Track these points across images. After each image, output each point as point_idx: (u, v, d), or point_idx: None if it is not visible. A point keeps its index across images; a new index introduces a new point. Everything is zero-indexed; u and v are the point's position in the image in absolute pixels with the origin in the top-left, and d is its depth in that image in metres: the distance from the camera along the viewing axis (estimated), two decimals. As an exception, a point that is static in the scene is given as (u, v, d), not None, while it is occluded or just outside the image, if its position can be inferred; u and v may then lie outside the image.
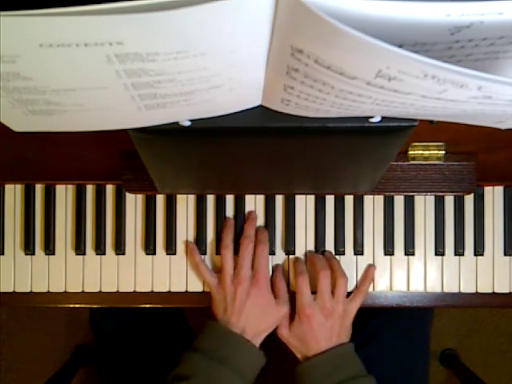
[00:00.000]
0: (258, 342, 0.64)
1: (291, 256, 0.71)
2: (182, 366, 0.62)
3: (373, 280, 0.70)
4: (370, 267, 0.70)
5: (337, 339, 0.64)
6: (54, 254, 0.71)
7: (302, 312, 0.63)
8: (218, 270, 0.69)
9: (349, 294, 0.68)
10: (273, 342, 0.66)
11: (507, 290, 0.71)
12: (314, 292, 0.66)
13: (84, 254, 0.71)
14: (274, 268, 0.69)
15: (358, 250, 0.71)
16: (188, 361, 0.61)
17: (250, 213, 0.70)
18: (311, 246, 0.71)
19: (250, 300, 0.63)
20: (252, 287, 0.63)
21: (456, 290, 0.71)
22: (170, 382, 0.61)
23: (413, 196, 0.71)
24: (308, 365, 0.64)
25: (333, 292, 0.65)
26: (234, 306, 0.63)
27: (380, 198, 0.71)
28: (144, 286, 0.71)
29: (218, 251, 0.70)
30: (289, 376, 0.66)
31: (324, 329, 0.63)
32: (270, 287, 0.65)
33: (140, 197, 0.72)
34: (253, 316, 0.63)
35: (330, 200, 0.71)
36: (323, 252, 0.71)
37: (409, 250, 0.71)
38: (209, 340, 0.62)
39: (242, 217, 0.71)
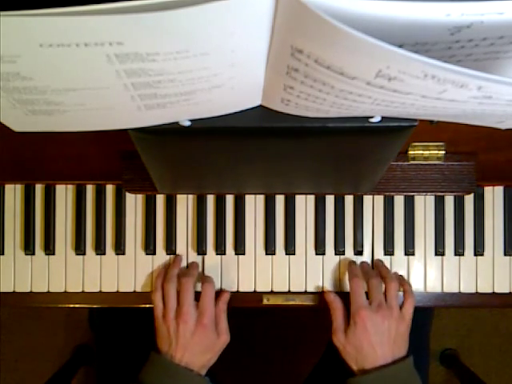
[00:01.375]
0: (203, 372, 0.64)
1: (341, 257, 0.71)
2: None
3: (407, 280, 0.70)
4: (400, 276, 0.70)
5: (393, 347, 0.62)
6: (54, 253, 0.71)
7: (357, 314, 0.62)
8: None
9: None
10: (274, 343, 0.66)
11: (507, 290, 0.71)
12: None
13: (84, 254, 0.71)
14: (219, 295, 0.68)
15: (358, 250, 0.71)
16: None
17: (192, 263, 0.71)
18: (311, 246, 0.71)
19: (195, 339, 0.62)
20: (197, 327, 0.63)
21: (456, 290, 0.71)
22: None
23: (413, 196, 0.71)
24: (364, 379, 0.61)
25: (385, 298, 0.64)
26: (177, 342, 0.62)
27: (380, 198, 0.71)
28: (144, 286, 0.71)
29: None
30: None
31: (380, 331, 0.61)
32: (213, 325, 0.65)
33: (140, 197, 0.72)
34: (197, 352, 0.63)
35: (329, 200, 0.71)
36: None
37: (409, 250, 0.71)
38: (155, 373, 0.62)
39: (242, 217, 0.71)
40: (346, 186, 0.66)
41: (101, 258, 0.71)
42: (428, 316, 0.89)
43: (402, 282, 0.68)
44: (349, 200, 0.71)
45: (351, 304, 0.64)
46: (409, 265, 0.71)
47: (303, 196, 0.71)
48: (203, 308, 0.64)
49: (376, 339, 0.61)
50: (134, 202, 0.72)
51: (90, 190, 0.72)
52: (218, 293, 0.68)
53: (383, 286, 0.65)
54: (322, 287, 0.71)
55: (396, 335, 0.63)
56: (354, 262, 0.70)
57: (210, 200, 0.72)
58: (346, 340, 0.63)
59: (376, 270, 0.69)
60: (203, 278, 0.68)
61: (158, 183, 0.61)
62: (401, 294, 0.66)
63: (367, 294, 0.65)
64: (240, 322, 0.96)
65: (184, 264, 0.71)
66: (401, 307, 0.65)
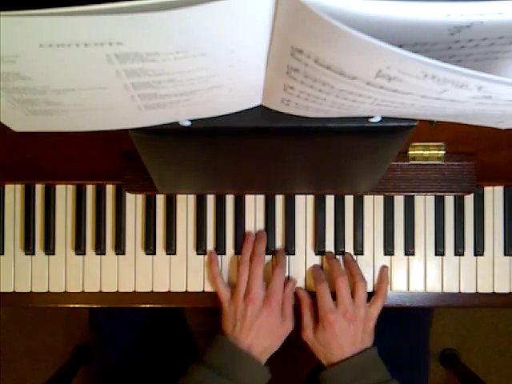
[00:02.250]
0: (264, 358, 0.65)
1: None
2: (188, 377, 0.62)
3: (388, 280, 0.70)
4: (384, 268, 0.70)
5: (360, 344, 0.65)
6: (54, 254, 0.71)
7: (325, 319, 0.64)
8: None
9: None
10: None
11: (507, 290, 0.71)
12: (333, 295, 0.66)
13: (84, 254, 0.71)
14: (287, 282, 0.69)
15: (358, 250, 0.71)
16: (195, 373, 0.62)
17: (260, 231, 0.71)
18: (311, 246, 0.71)
19: (260, 320, 0.63)
20: (264, 308, 0.64)
21: (456, 290, 0.71)
22: None
23: (413, 196, 0.71)
24: (333, 371, 0.64)
25: (353, 297, 0.65)
26: (243, 323, 0.63)
27: (380, 198, 0.71)
28: (144, 286, 0.71)
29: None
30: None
31: (347, 334, 0.64)
32: (280, 309, 0.66)
33: (140, 197, 0.72)
34: (261, 335, 0.64)
35: (329, 200, 0.71)
36: (342, 253, 0.71)
37: (409, 250, 0.71)
38: (217, 354, 0.63)
39: (242, 217, 0.71)
40: (345, 186, 0.66)
41: (101, 258, 0.71)
42: (428, 316, 0.90)
43: (380, 279, 0.69)
44: (349, 200, 0.71)
45: (318, 308, 0.65)
46: (409, 265, 0.71)
47: (303, 196, 0.71)
48: (272, 290, 0.65)
49: (343, 340, 0.64)
50: (134, 202, 0.72)
51: (89, 190, 0.72)
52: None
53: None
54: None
55: (363, 334, 0.65)
56: (316, 265, 0.71)
57: (210, 200, 0.72)
58: (314, 339, 0.66)
59: (345, 264, 0.69)
60: (276, 261, 0.69)
61: (158, 183, 0.61)
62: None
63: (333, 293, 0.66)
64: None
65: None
66: (371, 304, 0.66)
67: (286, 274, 0.71)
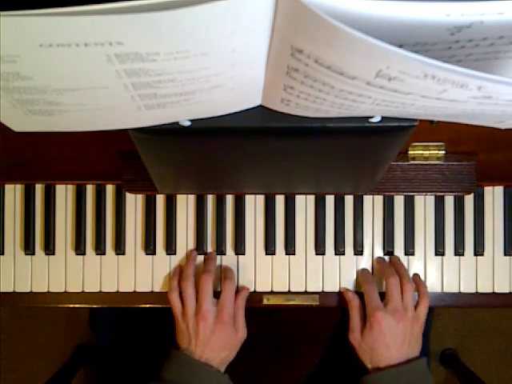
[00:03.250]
0: (223, 368, 0.65)
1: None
2: None
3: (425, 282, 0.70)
4: (415, 276, 0.70)
5: (407, 349, 0.63)
6: (54, 254, 0.71)
7: (373, 317, 0.63)
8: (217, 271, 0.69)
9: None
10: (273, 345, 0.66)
11: (507, 290, 0.71)
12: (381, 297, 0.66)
13: (84, 254, 0.71)
14: (238, 292, 0.68)
15: (358, 250, 0.71)
16: None
17: (210, 253, 0.71)
18: (311, 246, 0.71)
19: (214, 336, 0.63)
20: (216, 324, 0.63)
21: (456, 290, 0.71)
22: None
23: (413, 196, 0.71)
24: (378, 377, 0.62)
25: (401, 298, 0.65)
26: (197, 339, 0.63)
27: (380, 198, 0.71)
28: (144, 286, 0.71)
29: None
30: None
31: (395, 334, 0.62)
32: (232, 322, 0.65)
33: (140, 197, 0.72)
34: (217, 348, 0.63)
35: (329, 200, 0.71)
36: (391, 253, 0.71)
37: (409, 250, 0.71)
38: (176, 370, 0.62)
39: (242, 217, 0.71)
40: (346, 186, 0.66)
41: (101, 258, 0.71)
42: (428, 316, 0.89)
43: (418, 283, 0.68)
44: (349, 200, 0.71)
45: (366, 306, 0.65)
46: (409, 265, 0.71)
47: (303, 196, 0.71)
48: (223, 305, 0.65)
49: (391, 340, 0.62)
50: (134, 202, 0.72)
51: (90, 190, 0.72)
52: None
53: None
54: (323, 286, 0.71)
55: (411, 336, 0.64)
56: (365, 268, 0.71)
57: (210, 200, 0.72)
58: (361, 339, 0.64)
59: (393, 267, 0.69)
60: (224, 274, 0.69)
61: (157, 183, 0.61)
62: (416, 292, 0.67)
63: (382, 293, 0.66)
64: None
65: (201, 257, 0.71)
66: (415, 307, 0.65)
67: (253, 280, 0.71)
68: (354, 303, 0.67)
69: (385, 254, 0.71)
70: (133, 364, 0.84)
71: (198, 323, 0.63)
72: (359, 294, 0.68)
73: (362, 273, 0.70)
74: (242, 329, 0.66)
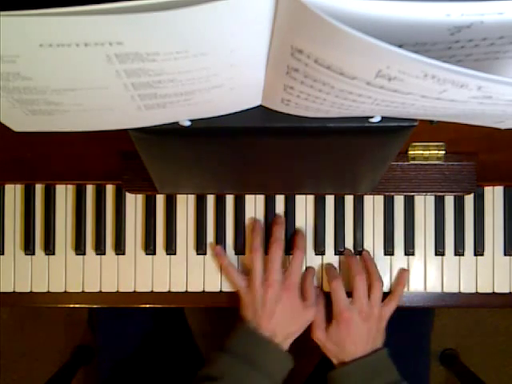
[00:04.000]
0: (286, 345, 0.64)
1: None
2: (211, 366, 0.61)
3: (406, 283, 0.70)
4: (404, 271, 0.70)
5: (372, 343, 0.65)
6: (54, 254, 0.71)
7: (340, 316, 0.63)
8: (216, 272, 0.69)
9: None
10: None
11: (507, 290, 0.71)
12: (348, 293, 0.66)
13: (84, 254, 0.71)
14: (305, 270, 0.69)
15: (358, 250, 0.71)
16: (218, 362, 0.61)
17: (278, 216, 0.70)
18: (311, 246, 0.71)
19: (281, 304, 0.63)
20: (283, 292, 0.63)
21: (456, 290, 0.71)
22: (199, 382, 0.61)
23: (413, 196, 0.71)
24: (344, 370, 0.63)
25: (368, 296, 0.65)
26: (264, 309, 0.62)
27: (380, 198, 0.71)
28: (144, 286, 0.71)
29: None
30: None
31: (362, 332, 0.64)
32: (299, 292, 0.65)
33: (140, 197, 0.72)
34: (283, 320, 0.63)
35: (329, 200, 0.71)
36: (361, 252, 0.71)
37: (409, 250, 0.71)
38: (239, 342, 0.62)
39: (242, 217, 0.71)
40: (345, 186, 0.66)
41: (101, 258, 0.71)
42: (428, 316, 0.89)
43: (398, 281, 0.69)
44: (349, 200, 0.71)
45: (333, 304, 0.65)
46: (409, 265, 0.71)
47: (303, 196, 0.71)
48: (290, 273, 0.64)
49: (357, 338, 0.64)
50: (134, 202, 0.72)
51: (89, 190, 0.72)
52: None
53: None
54: (322, 286, 0.71)
55: (376, 333, 0.65)
56: (330, 264, 0.71)
57: (210, 200, 0.72)
58: (327, 338, 0.65)
59: (363, 262, 0.69)
60: (296, 243, 0.68)
61: (158, 183, 0.61)
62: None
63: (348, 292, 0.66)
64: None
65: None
66: (385, 303, 0.66)
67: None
68: (318, 302, 0.67)
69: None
70: (132, 364, 0.84)
71: (265, 292, 0.63)
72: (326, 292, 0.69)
73: (328, 269, 0.70)
74: (311, 305, 0.65)
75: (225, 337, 0.64)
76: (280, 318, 0.63)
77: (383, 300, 0.67)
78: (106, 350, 0.86)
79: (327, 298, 0.67)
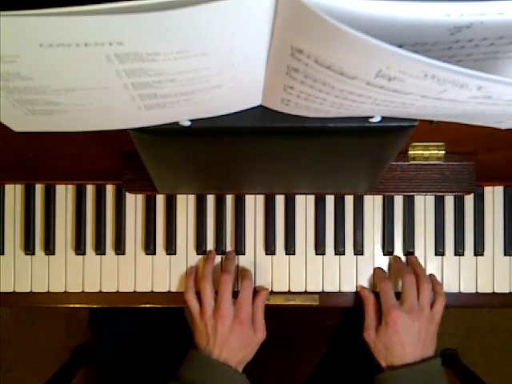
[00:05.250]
0: (241, 368, 0.65)
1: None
2: None
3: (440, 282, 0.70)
4: (431, 276, 0.70)
5: (422, 348, 0.63)
6: (54, 254, 0.71)
7: (389, 315, 0.63)
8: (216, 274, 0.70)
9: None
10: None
11: (507, 290, 0.71)
12: (397, 296, 0.65)
13: (84, 254, 0.71)
14: (256, 293, 0.68)
15: (358, 250, 0.71)
16: None
17: (229, 252, 0.71)
18: (311, 246, 0.71)
19: (233, 335, 0.63)
20: (234, 323, 0.63)
21: (456, 290, 0.71)
22: None
23: (413, 196, 0.71)
24: (393, 375, 0.62)
25: (417, 297, 0.64)
26: (215, 339, 0.63)
27: (380, 198, 0.71)
28: (144, 286, 0.71)
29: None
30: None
31: (410, 332, 0.62)
32: (251, 321, 0.65)
33: (140, 197, 0.72)
34: (235, 348, 0.63)
35: (329, 200, 0.71)
36: (409, 253, 0.71)
37: (409, 250, 0.71)
38: (193, 370, 0.62)
39: (242, 217, 0.71)
40: (346, 186, 0.66)
41: (101, 258, 0.71)
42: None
43: (434, 282, 0.68)
44: (349, 200, 0.71)
45: (382, 304, 0.65)
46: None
47: (303, 196, 0.71)
48: (241, 304, 0.64)
49: (406, 339, 0.62)
50: (134, 202, 0.72)
51: (90, 190, 0.72)
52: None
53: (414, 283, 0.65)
54: (323, 286, 0.71)
55: (426, 336, 0.64)
56: (380, 267, 0.71)
57: (210, 200, 0.72)
58: (376, 338, 0.64)
59: (410, 266, 0.69)
60: (242, 274, 0.69)
61: (158, 183, 0.61)
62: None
63: (398, 293, 0.65)
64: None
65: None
66: (431, 307, 0.65)
67: (269, 281, 0.71)
68: (369, 301, 0.67)
69: (405, 255, 0.71)
70: (132, 364, 0.84)
71: (216, 322, 0.63)
72: (375, 292, 0.68)
73: (377, 271, 0.70)
74: (260, 329, 0.66)
75: (179, 365, 0.64)
76: (232, 347, 0.63)
77: None
78: (106, 349, 0.86)
79: (377, 299, 0.67)
